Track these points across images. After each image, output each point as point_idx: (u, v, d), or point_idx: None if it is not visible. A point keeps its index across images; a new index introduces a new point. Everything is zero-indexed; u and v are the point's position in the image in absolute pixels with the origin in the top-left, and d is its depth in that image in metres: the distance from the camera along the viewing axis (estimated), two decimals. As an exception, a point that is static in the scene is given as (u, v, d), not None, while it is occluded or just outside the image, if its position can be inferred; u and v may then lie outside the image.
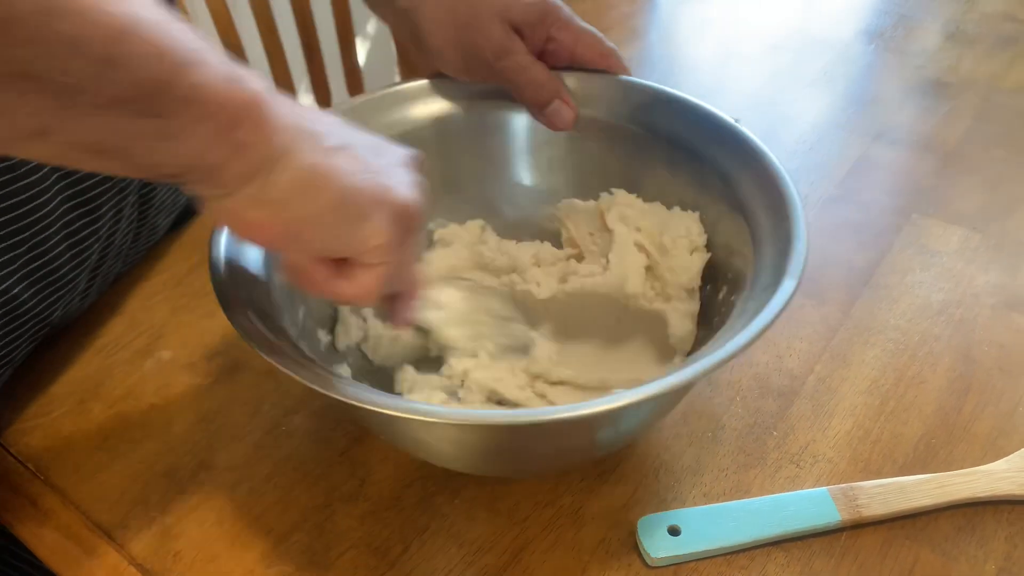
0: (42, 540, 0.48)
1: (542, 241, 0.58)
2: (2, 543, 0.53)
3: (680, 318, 0.51)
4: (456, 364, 0.52)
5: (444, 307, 0.55)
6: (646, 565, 0.45)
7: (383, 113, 0.55)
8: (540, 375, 0.52)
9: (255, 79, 0.33)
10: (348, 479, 0.49)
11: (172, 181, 0.33)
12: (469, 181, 0.59)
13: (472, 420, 0.39)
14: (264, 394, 0.54)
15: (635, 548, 0.46)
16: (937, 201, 0.69)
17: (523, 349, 0.54)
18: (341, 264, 0.39)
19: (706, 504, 0.48)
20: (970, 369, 0.56)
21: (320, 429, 0.52)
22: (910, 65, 0.88)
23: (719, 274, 0.51)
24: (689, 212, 0.53)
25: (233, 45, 0.96)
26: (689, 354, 0.51)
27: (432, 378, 0.53)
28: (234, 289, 0.43)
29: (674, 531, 0.45)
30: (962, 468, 0.49)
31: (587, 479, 0.49)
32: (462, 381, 0.52)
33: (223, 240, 0.44)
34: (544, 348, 0.54)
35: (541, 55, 0.54)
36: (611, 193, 0.55)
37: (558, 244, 0.58)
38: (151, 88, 0.29)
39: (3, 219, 0.48)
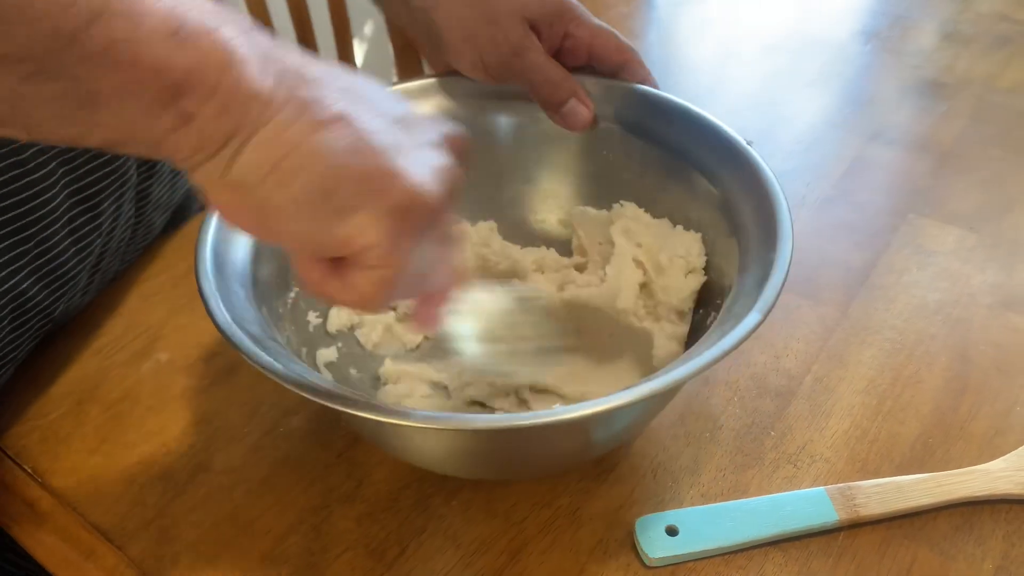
0: (39, 542, 0.48)
1: (548, 247, 0.58)
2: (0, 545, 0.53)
3: (666, 340, 0.51)
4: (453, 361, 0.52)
5: (477, 315, 0.49)
6: (644, 565, 0.45)
7: None
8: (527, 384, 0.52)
9: (221, 31, 0.27)
10: (345, 480, 0.49)
11: (110, 149, 0.28)
12: (477, 182, 0.58)
13: (458, 426, 0.39)
14: (261, 396, 0.54)
15: (633, 548, 0.46)
16: (933, 201, 0.70)
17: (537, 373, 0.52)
18: (338, 264, 0.33)
19: (704, 504, 0.48)
20: (967, 369, 0.56)
21: (317, 431, 0.52)
22: (906, 65, 0.88)
23: (711, 298, 0.51)
24: (692, 232, 0.53)
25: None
26: None
27: (416, 369, 0.53)
28: (221, 284, 0.42)
29: (672, 531, 0.45)
30: (959, 467, 0.49)
31: (584, 479, 0.49)
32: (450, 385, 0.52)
33: (211, 230, 0.44)
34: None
35: (558, 53, 0.53)
36: (622, 205, 0.55)
37: (566, 251, 0.58)
38: (47, 45, 0.24)
39: (11, 214, 0.49)
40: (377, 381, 0.53)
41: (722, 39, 0.94)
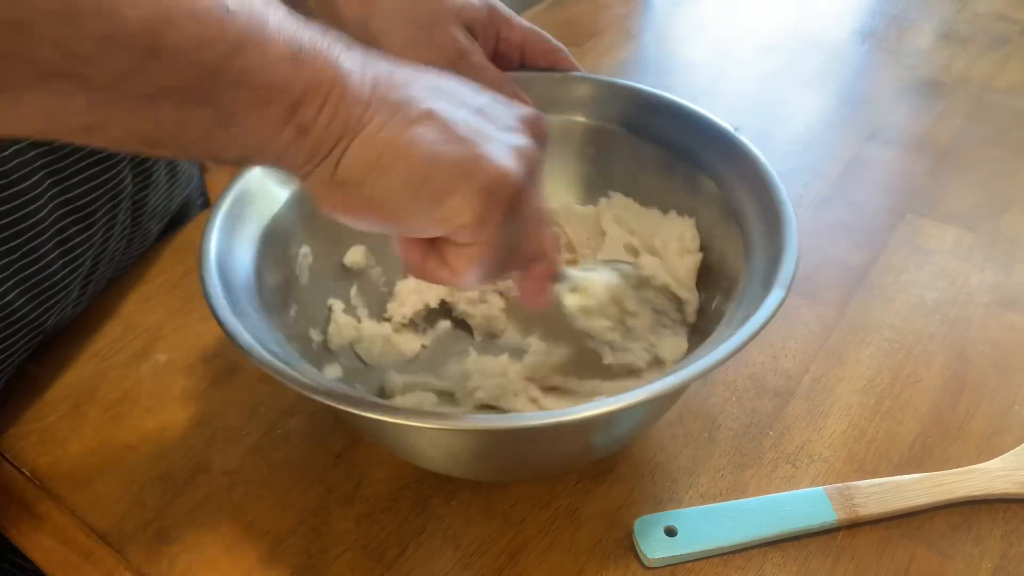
0: (38, 545, 0.48)
1: None
2: (-2, 549, 0.53)
3: (671, 340, 0.51)
4: (455, 367, 0.53)
5: (587, 292, 0.50)
6: (643, 566, 0.45)
7: None
8: (534, 378, 0.52)
9: (327, 50, 0.31)
10: (344, 481, 0.49)
11: (240, 164, 0.32)
12: None
13: (462, 426, 0.39)
14: (260, 397, 0.54)
15: (632, 549, 0.46)
16: (931, 200, 0.70)
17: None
18: (436, 244, 0.36)
19: (702, 504, 0.48)
20: (965, 368, 0.56)
21: (316, 432, 0.52)
22: (903, 65, 0.88)
23: (713, 283, 0.51)
24: (684, 218, 0.53)
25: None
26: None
27: (424, 380, 0.53)
28: (225, 294, 0.42)
29: (671, 532, 0.46)
30: (957, 467, 0.49)
31: (583, 480, 0.49)
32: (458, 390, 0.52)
33: (213, 244, 0.44)
34: (540, 351, 0.54)
35: (493, 56, 0.54)
36: (611, 196, 0.55)
37: None
38: (199, 77, 0.28)
39: None
40: (383, 394, 0.53)
41: (719, 40, 0.94)
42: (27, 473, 0.50)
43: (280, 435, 0.52)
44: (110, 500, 0.49)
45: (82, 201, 0.53)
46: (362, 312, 0.55)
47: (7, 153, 0.47)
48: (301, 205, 0.49)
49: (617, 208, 0.54)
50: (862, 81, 0.87)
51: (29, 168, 0.49)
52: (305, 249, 0.51)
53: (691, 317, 0.52)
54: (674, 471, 0.50)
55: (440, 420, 0.38)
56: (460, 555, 0.46)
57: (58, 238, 0.52)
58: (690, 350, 0.51)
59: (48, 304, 0.53)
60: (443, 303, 0.57)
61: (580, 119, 0.56)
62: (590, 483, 0.49)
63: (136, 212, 0.59)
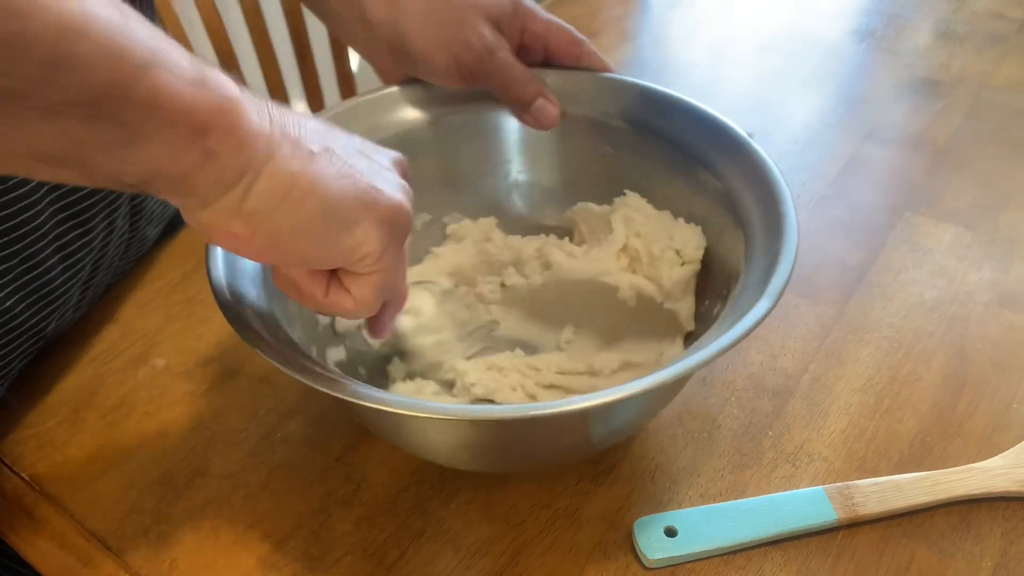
0: (37, 550, 0.48)
1: (547, 235, 0.59)
2: (-2, 554, 0.53)
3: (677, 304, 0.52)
4: (457, 365, 0.53)
5: (417, 313, 0.54)
6: (643, 567, 0.45)
7: (381, 113, 0.55)
8: (535, 366, 0.53)
9: (227, 82, 0.31)
10: (344, 484, 0.49)
11: (137, 191, 0.31)
12: (477, 179, 0.59)
13: (468, 416, 0.39)
14: (259, 400, 0.54)
15: (632, 550, 0.46)
16: (929, 199, 0.70)
17: (487, 350, 0.55)
18: (334, 276, 0.37)
19: (702, 505, 0.48)
20: (964, 366, 0.56)
21: (315, 435, 0.52)
22: (901, 64, 0.88)
23: (716, 289, 0.51)
24: (692, 225, 0.53)
25: (225, 52, 0.96)
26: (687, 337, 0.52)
27: (425, 368, 0.54)
28: (232, 285, 0.42)
29: (671, 532, 0.45)
30: (957, 465, 0.49)
31: (583, 481, 0.49)
32: (456, 382, 0.52)
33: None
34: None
35: (518, 50, 0.54)
36: (626, 194, 0.55)
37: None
38: (105, 92, 0.27)
39: None
40: (386, 380, 0.54)
41: (716, 40, 0.94)
42: (26, 478, 0.50)
43: (279, 438, 0.52)
44: (109, 504, 0.49)
45: (80, 207, 0.53)
46: None
47: None
48: None
49: (630, 208, 0.55)
50: (860, 80, 0.87)
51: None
52: None
53: (687, 325, 0.52)
54: (674, 471, 0.50)
55: (440, 411, 0.38)
56: (460, 557, 0.46)
57: (57, 244, 0.52)
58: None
59: (48, 310, 0.53)
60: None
61: (597, 117, 0.56)
62: (590, 484, 0.49)
63: (134, 217, 0.60)
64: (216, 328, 0.59)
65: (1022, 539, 0.46)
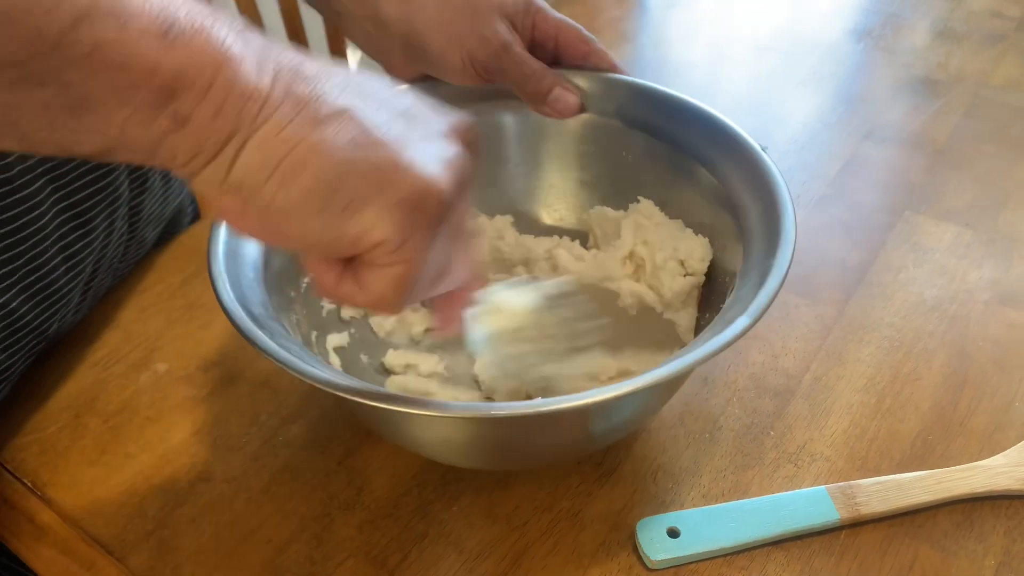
0: (39, 556, 0.48)
1: (561, 237, 0.59)
2: (0, 560, 0.53)
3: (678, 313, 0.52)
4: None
5: (502, 315, 0.46)
6: (646, 568, 0.45)
7: None
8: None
9: (211, 30, 0.26)
10: (346, 488, 0.49)
11: (105, 158, 0.28)
12: (495, 177, 0.59)
13: (469, 414, 0.39)
14: (260, 404, 0.54)
15: (635, 551, 0.46)
16: (929, 198, 0.70)
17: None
18: (349, 264, 0.32)
19: (705, 505, 0.48)
20: (965, 365, 0.56)
21: (317, 439, 0.52)
22: (899, 63, 0.88)
23: (716, 302, 0.51)
24: (700, 236, 0.53)
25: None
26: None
27: (426, 357, 0.53)
28: (234, 277, 0.42)
29: (673, 533, 0.45)
30: (959, 464, 0.49)
31: (585, 482, 0.49)
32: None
33: (223, 225, 0.44)
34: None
35: (529, 46, 0.54)
36: (639, 201, 0.55)
37: (582, 244, 0.59)
38: (34, 50, 0.23)
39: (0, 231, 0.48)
40: (384, 367, 0.54)
41: (714, 41, 0.94)
42: (28, 484, 0.50)
43: (281, 442, 0.52)
44: (111, 510, 0.49)
45: (82, 207, 0.53)
46: None
47: (10, 160, 0.47)
48: None
49: (641, 215, 0.55)
50: (858, 80, 0.87)
51: (32, 175, 0.49)
52: None
53: (685, 336, 0.52)
54: (676, 472, 0.50)
55: (440, 409, 0.38)
56: (463, 560, 0.46)
57: (60, 243, 0.52)
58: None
59: (51, 310, 0.53)
60: None
61: (615, 122, 0.56)
62: (592, 485, 0.49)
63: (133, 218, 0.60)
64: (217, 332, 0.59)
65: (1025, 537, 0.46)
